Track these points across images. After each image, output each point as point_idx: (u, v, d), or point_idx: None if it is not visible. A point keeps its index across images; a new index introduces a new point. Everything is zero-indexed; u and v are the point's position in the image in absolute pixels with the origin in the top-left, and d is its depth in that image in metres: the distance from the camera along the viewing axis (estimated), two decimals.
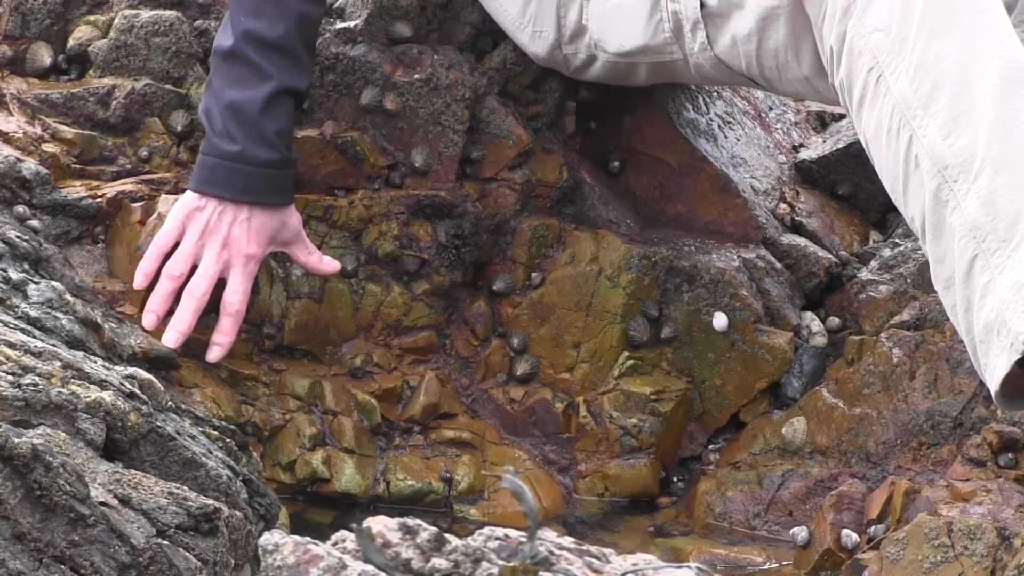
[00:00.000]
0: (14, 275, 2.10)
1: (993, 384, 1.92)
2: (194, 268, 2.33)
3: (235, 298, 2.33)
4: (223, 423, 2.10)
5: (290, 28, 2.33)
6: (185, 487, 1.76)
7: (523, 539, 1.27)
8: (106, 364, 1.92)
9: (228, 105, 2.32)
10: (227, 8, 2.46)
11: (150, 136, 2.49)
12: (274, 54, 2.33)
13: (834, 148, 2.81)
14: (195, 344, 2.35)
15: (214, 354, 2.33)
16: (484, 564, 1.23)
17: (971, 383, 2.31)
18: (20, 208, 2.34)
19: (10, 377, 1.73)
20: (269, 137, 2.32)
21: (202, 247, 2.32)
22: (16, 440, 1.57)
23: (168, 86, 2.51)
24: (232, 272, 2.33)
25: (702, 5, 2.31)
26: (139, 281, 2.32)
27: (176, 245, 2.34)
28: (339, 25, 2.56)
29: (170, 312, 2.32)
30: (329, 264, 2.41)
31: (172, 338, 2.30)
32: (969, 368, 2.29)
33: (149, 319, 2.31)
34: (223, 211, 2.32)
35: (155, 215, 2.38)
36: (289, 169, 2.36)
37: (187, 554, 1.68)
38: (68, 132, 2.45)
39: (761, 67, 2.30)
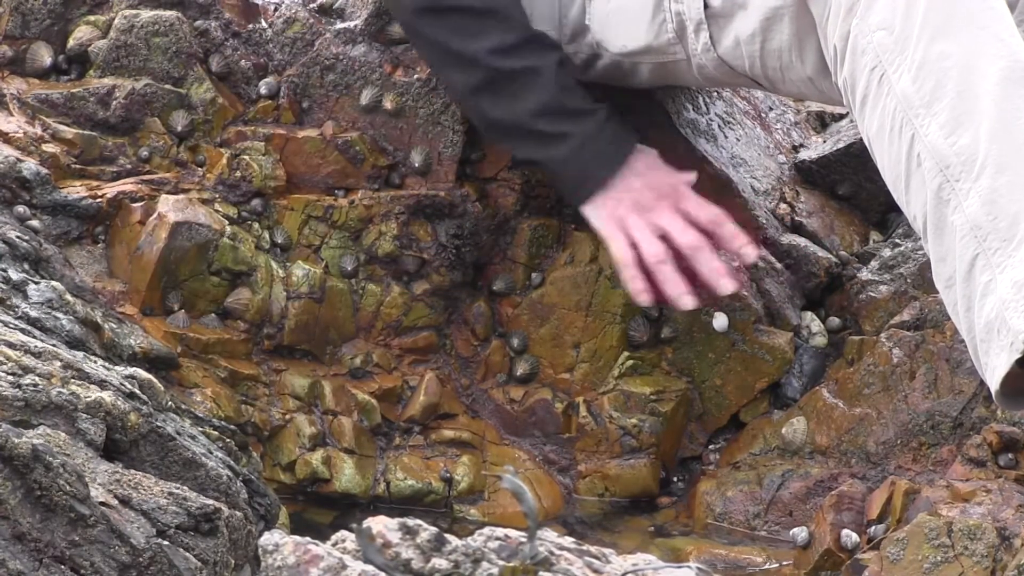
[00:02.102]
0: (14, 275, 2.10)
1: (993, 383, 1.92)
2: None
3: (710, 211, 2.37)
4: (223, 423, 2.10)
5: (520, 25, 2.38)
6: (185, 487, 1.76)
7: (523, 539, 1.27)
8: (106, 364, 1.92)
9: (533, 115, 2.36)
10: (229, 11, 2.46)
11: (150, 136, 2.49)
12: (527, 49, 2.37)
13: (834, 148, 2.81)
14: (195, 344, 2.35)
15: (752, 251, 2.37)
16: (484, 564, 1.23)
17: (971, 383, 2.31)
18: (20, 208, 2.34)
19: (10, 377, 1.73)
20: (583, 107, 2.38)
21: (652, 219, 2.36)
22: (16, 440, 1.57)
23: (168, 86, 2.51)
24: (685, 203, 2.37)
25: (706, 6, 2.31)
26: (646, 298, 2.35)
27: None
28: (339, 25, 2.56)
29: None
30: (688, 175, 2.44)
31: (731, 283, 2.34)
32: (969, 368, 2.29)
33: (687, 301, 2.34)
34: (630, 185, 2.37)
35: (155, 215, 2.38)
36: (614, 115, 2.41)
37: (187, 554, 1.68)
38: (68, 132, 2.45)
39: (764, 67, 2.30)
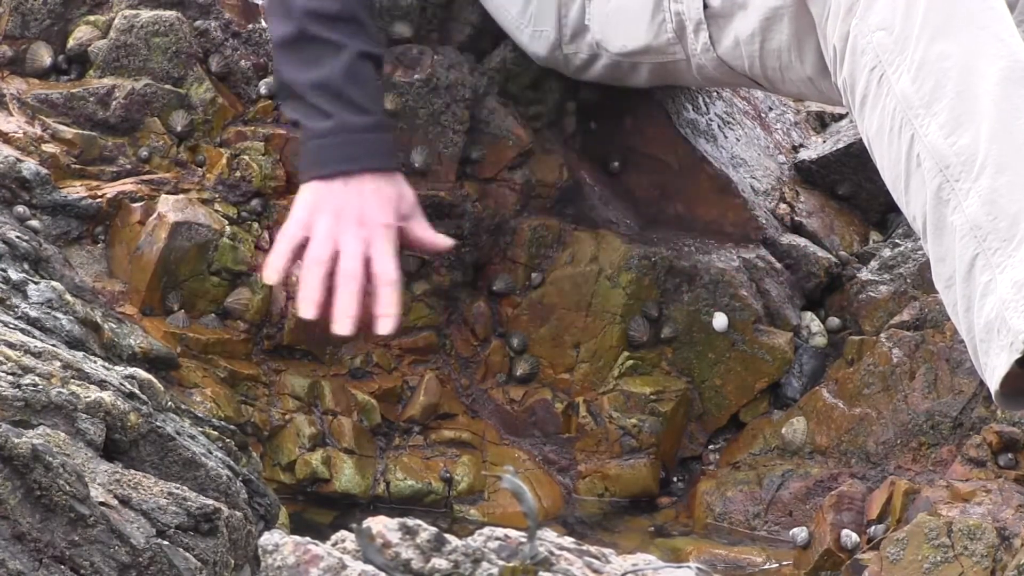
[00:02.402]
0: (14, 275, 2.10)
1: (993, 383, 1.92)
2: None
3: (387, 268, 2.31)
4: (223, 423, 2.10)
5: (350, 0, 2.35)
6: (185, 487, 1.76)
7: (523, 539, 1.27)
8: (106, 364, 1.92)
9: (311, 86, 2.33)
10: (229, 11, 2.46)
11: (150, 136, 2.49)
12: (340, 25, 2.35)
13: (834, 148, 2.82)
14: (195, 344, 2.35)
15: (387, 326, 2.30)
16: (484, 564, 1.23)
17: (971, 383, 2.31)
18: (20, 208, 2.34)
19: (10, 377, 1.73)
20: (358, 103, 2.33)
21: (339, 230, 2.32)
22: (16, 440, 1.57)
23: (168, 86, 2.51)
24: (376, 245, 2.32)
25: (705, 5, 2.31)
26: (274, 277, 2.32)
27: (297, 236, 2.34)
28: None
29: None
30: (444, 239, 2.41)
31: (347, 325, 2.29)
32: (969, 368, 2.29)
33: (309, 308, 2.30)
34: (348, 191, 2.33)
35: (155, 215, 2.38)
36: (387, 132, 2.38)
37: (187, 554, 1.68)
38: (68, 132, 2.45)
39: (764, 67, 2.30)
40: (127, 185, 2.43)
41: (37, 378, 1.75)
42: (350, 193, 2.33)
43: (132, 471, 1.74)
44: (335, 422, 2.39)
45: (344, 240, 2.31)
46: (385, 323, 2.29)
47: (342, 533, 1.27)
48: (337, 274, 2.29)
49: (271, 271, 2.32)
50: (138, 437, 1.80)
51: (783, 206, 2.74)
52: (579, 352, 2.48)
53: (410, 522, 1.25)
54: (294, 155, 2.47)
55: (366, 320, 2.29)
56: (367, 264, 2.30)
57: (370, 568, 1.22)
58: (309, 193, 2.34)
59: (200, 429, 1.96)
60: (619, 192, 2.64)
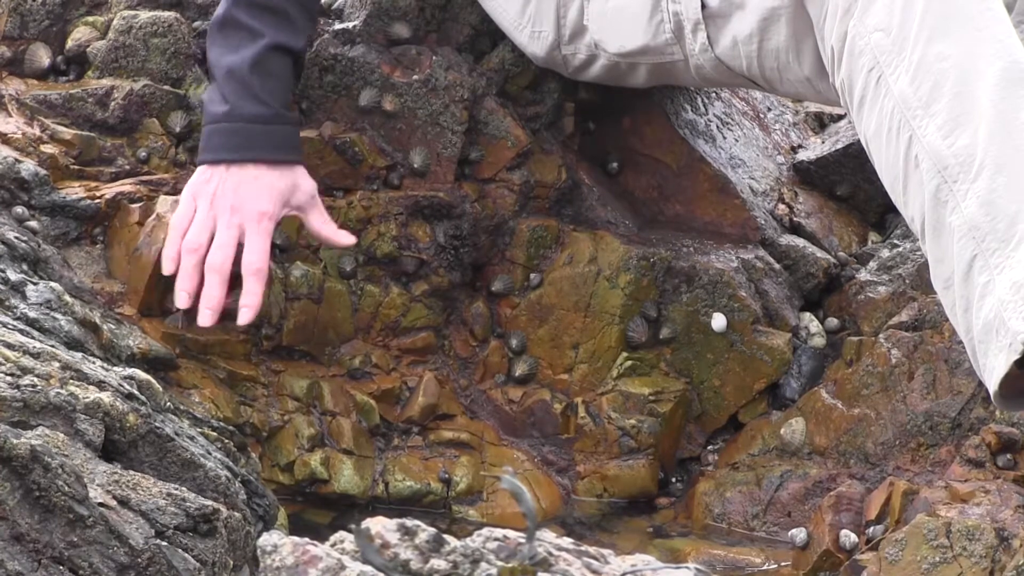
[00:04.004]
0: (13, 276, 2.10)
1: (992, 384, 1.92)
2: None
3: (254, 257, 2.30)
4: (222, 424, 2.10)
5: None
6: (184, 488, 1.76)
7: (522, 540, 1.27)
8: (105, 365, 1.92)
9: (226, 71, 2.34)
10: None
11: (148, 137, 2.49)
12: (264, 13, 2.35)
13: (833, 149, 2.82)
14: (194, 345, 2.35)
15: (245, 316, 2.29)
16: (483, 565, 1.24)
17: (970, 384, 2.31)
18: (19, 209, 2.34)
19: (9, 378, 1.73)
20: (258, 93, 2.33)
21: (214, 217, 2.31)
22: (15, 441, 1.57)
23: (167, 87, 2.51)
24: (248, 234, 2.31)
25: (703, 6, 2.31)
26: (168, 267, 2.31)
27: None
28: (337, 26, 2.56)
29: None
30: (346, 236, 2.40)
31: (207, 316, 2.29)
32: (968, 369, 2.29)
33: (182, 298, 2.30)
34: (228, 177, 2.32)
35: (153, 216, 2.38)
36: (286, 125, 2.36)
37: (186, 555, 1.68)
38: (67, 133, 2.45)
39: (762, 68, 2.30)
40: (126, 186, 2.43)
41: (36, 379, 1.75)
42: (229, 180, 2.32)
43: (131, 472, 1.74)
44: (334, 423, 2.39)
45: (217, 228, 2.31)
46: (244, 313, 2.29)
47: (341, 534, 1.27)
48: (205, 264, 2.30)
49: (167, 262, 2.31)
50: (137, 438, 1.80)
51: (782, 207, 2.74)
52: (578, 353, 2.48)
53: (409, 523, 1.25)
54: None
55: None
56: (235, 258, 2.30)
57: (369, 569, 1.22)
58: (195, 178, 2.34)
59: (199, 430, 1.96)
60: (618, 192, 2.64)
